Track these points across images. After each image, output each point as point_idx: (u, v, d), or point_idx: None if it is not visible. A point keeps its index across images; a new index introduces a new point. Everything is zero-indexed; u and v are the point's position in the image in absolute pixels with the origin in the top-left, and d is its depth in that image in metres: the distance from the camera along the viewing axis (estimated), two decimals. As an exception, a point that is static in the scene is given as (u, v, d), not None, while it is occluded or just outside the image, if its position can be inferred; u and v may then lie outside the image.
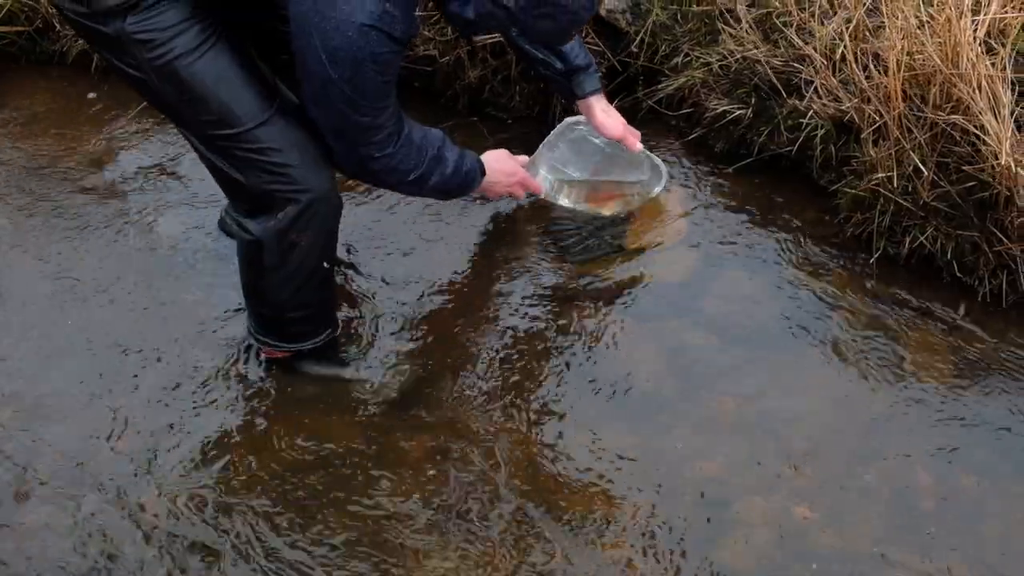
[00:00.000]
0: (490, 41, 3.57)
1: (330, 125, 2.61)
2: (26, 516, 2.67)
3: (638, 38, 3.63)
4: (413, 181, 2.78)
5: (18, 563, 2.57)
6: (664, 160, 3.45)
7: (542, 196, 3.30)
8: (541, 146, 3.25)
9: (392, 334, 3.07)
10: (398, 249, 3.30)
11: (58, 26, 3.99)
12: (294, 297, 2.81)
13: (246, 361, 3.01)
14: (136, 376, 2.99)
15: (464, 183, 2.94)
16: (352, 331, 3.07)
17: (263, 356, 2.98)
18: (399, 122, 2.67)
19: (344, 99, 2.52)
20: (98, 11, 2.48)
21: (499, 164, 3.08)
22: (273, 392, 2.94)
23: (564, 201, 3.32)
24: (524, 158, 3.20)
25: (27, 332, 3.10)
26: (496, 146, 3.18)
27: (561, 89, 3.18)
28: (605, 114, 3.15)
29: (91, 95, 3.97)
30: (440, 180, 2.83)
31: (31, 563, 2.58)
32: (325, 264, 2.79)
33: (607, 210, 3.34)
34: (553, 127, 3.35)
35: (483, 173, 2.99)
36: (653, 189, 3.33)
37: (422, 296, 3.17)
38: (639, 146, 3.20)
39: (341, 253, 3.22)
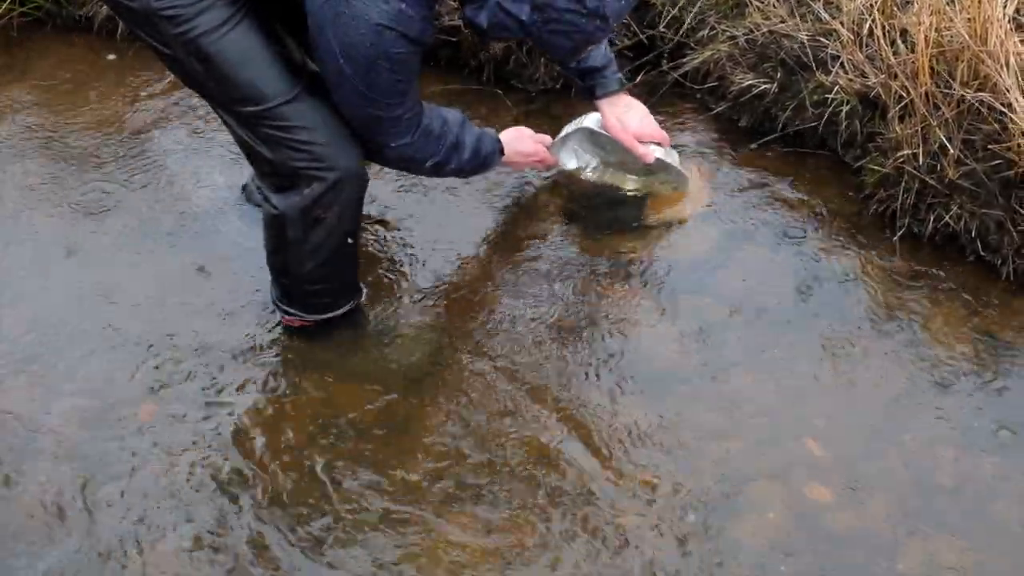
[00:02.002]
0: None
1: (346, 113, 2.63)
2: (43, 483, 2.70)
3: (665, 11, 3.61)
4: (431, 168, 2.82)
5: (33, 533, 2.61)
6: (688, 134, 3.44)
7: (567, 169, 3.30)
8: (568, 126, 3.24)
9: (412, 305, 3.08)
10: (419, 222, 3.30)
11: (84, -9, 4.00)
12: (316, 271, 2.82)
13: (267, 327, 3.02)
14: (155, 341, 3.00)
15: (482, 165, 2.96)
16: (374, 301, 3.08)
17: (284, 323, 2.99)
18: (417, 114, 2.68)
19: (358, 94, 2.54)
20: None
21: (519, 144, 3.09)
22: (292, 360, 2.95)
23: (589, 175, 3.31)
24: (547, 138, 3.19)
25: (46, 295, 3.13)
26: (520, 118, 3.18)
27: (577, 86, 3.16)
28: (617, 121, 3.09)
29: (110, 56, 3.98)
30: (458, 165, 2.87)
31: (55, 533, 2.61)
32: (349, 240, 2.80)
33: (630, 185, 3.33)
34: (577, 98, 3.33)
35: (502, 153, 3.01)
36: (675, 181, 3.30)
37: (442, 269, 3.18)
38: (651, 158, 3.13)
39: (365, 223, 3.23)
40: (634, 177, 3.33)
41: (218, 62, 2.54)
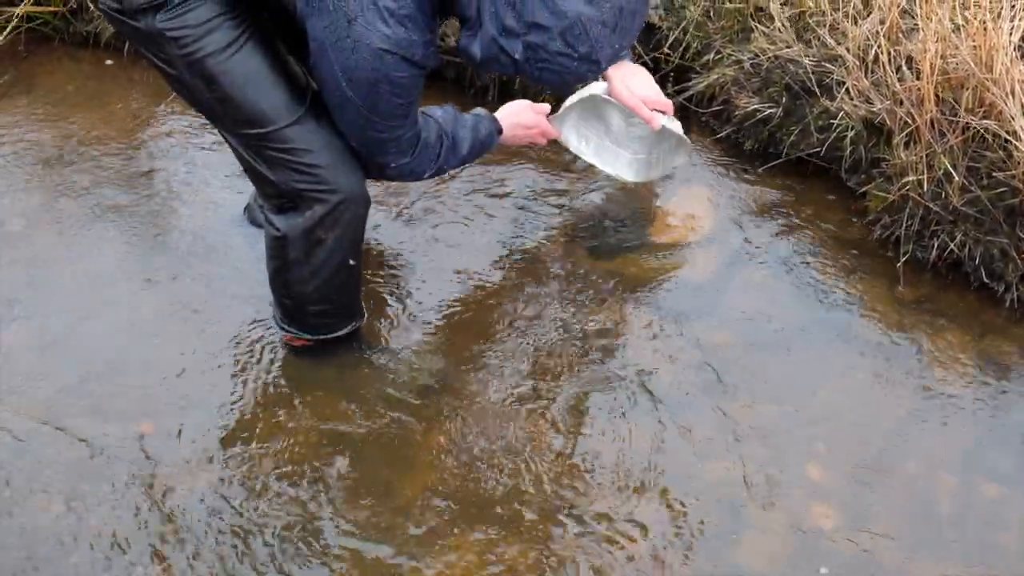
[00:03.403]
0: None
1: (348, 135, 2.63)
2: (53, 492, 2.70)
3: (671, 34, 3.62)
4: (431, 175, 2.83)
5: (44, 548, 2.61)
6: (693, 157, 3.45)
7: (568, 145, 3.26)
8: (571, 97, 3.18)
9: (413, 327, 3.08)
10: (422, 244, 3.30)
11: (92, 7, 4.00)
12: (317, 291, 2.82)
13: (268, 346, 3.02)
14: (157, 358, 3.00)
15: (482, 150, 2.95)
16: (376, 322, 3.08)
17: (285, 342, 3.00)
18: (416, 133, 2.69)
19: (360, 116, 2.54)
20: (128, 8, 2.49)
21: (517, 118, 3.07)
22: (292, 379, 2.95)
23: (586, 157, 3.28)
24: (546, 107, 3.13)
25: (54, 310, 3.12)
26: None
27: None
28: (624, 86, 3.00)
29: (108, 62, 4.01)
30: (458, 161, 2.87)
31: (52, 550, 2.61)
32: (351, 261, 2.80)
33: (627, 175, 3.31)
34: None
35: (500, 131, 2.99)
36: (675, 159, 3.24)
37: (444, 290, 3.18)
38: (658, 124, 3.03)
39: (367, 245, 3.23)
40: (629, 157, 3.29)
41: (223, 83, 2.54)
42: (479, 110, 3.00)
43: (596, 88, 3.11)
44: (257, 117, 2.57)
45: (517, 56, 2.39)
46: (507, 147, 3.20)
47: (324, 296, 2.85)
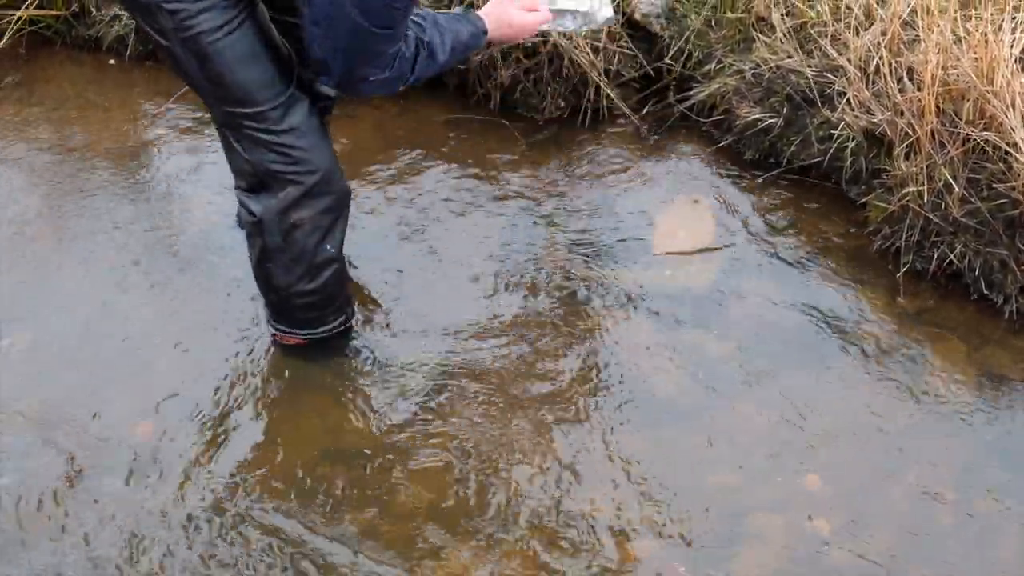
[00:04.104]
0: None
1: (330, 45, 2.53)
2: (51, 493, 2.70)
3: (673, 43, 3.62)
4: (407, 85, 2.73)
5: (42, 546, 2.60)
6: (694, 166, 3.45)
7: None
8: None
9: (410, 332, 3.08)
10: (417, 253, 3.31)
11: (94, 11, 4.01)
12: (300, 282, 2.83)
13: (267, 349, 3.02)
14: (156, 358, 3.01)
15: (465, 52, 2.83)
16: (372, 326, 3.08)
17: (278, 340, 3.00)
18: (399, 49, 2.60)
19: (352, 24, 2.45)
20: None
21: (495, 8, 2.88)
22: (292, 385, 2.95)
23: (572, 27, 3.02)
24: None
25: (54, 312, 3.13)
26: (528, 148, 3.14)
27: None
28: None
29: (111, 61, 4.02)
30: (438, 67, 2.75)
31: (52, 546, 2.61)
32: (330, 247, 2.80)
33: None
34: (584, 128, 3.29)
35: (486, 31, 2.83)
36: (598, 17, 2.99)
37: (440, 296, 3.18)
38: None
39: (362, 249, 3.24)
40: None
41: (214, 62, 2.55)
42: (456, 13, 2.87)
43: None
44: (244, 98, 2.59)
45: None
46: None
47: (305, 288, 2.85)
